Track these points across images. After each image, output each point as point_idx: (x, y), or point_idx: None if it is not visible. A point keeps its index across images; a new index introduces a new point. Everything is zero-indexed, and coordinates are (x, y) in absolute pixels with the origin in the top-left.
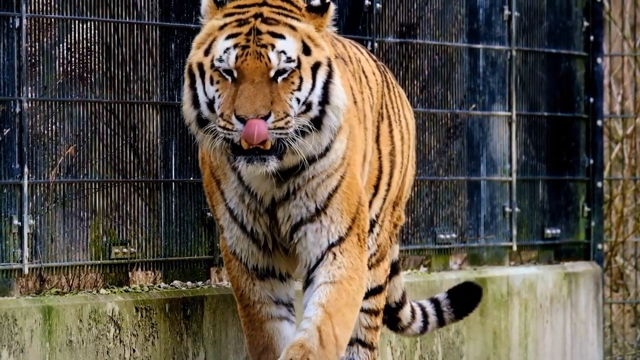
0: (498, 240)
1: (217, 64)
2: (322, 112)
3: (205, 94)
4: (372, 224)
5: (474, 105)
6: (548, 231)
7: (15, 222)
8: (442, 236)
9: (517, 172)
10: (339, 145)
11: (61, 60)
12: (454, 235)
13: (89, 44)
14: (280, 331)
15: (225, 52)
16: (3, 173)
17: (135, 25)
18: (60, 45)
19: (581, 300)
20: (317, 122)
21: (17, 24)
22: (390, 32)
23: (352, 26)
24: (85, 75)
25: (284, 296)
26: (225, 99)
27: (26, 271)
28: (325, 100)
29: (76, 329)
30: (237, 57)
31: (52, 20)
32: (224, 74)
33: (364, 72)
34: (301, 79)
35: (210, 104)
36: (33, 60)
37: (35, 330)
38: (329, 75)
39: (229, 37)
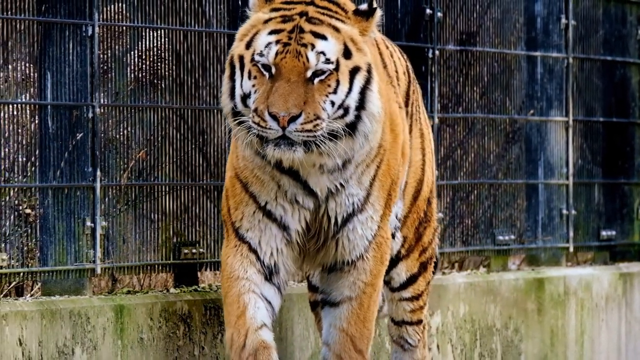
0: (555, 241)
1: (257, 58)
2: (358, 118)
3: (242, 87)
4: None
5: (532, 111)
6: (604, 233)
7: (88, 223)
8: (501, 237)
9: (573, 176)
10: (372, 136)
11: (132, 67)
12: (512, 237)
13: (159, 51)
14: (255, 301)
15: (266, 47)
16: (76, 176)
17: (204, 33)
18: (132, 52)
19: (636, 299)
20: (352, 127)
21: (90, 32)
22: (451, 40)
23: (414, 34)
24: (155, 81)
25: (267, 291)
26: (261, 94)
27: (99, 271)
28: (361, 105)
29: (147, 327)
30: (277, 54)
31: (124, 28)
32: (262, 69)
33: (395, 65)
34: (338, 82)
35: (244, 98)
36: (105, 67)
37: (107, 328)
38: (367, 81)
39: (271, 32)
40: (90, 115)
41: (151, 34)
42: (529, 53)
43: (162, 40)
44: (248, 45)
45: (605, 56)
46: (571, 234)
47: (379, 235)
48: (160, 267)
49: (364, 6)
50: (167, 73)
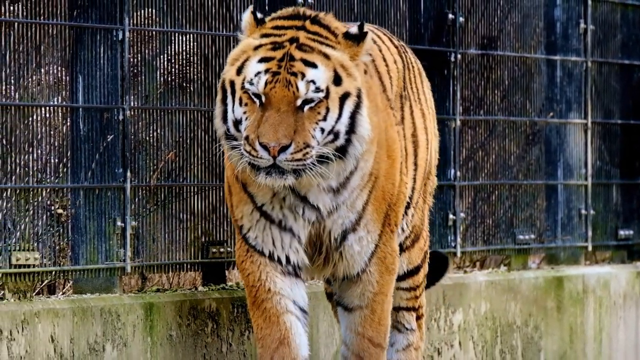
0: (574, 241)
1: (247, 86)
2: (348, 141)
3: (234, 112)
4: (406, 206)
5: (551, 114)
6: (621, 232)
7: (119, 223)
8: (521, 237)
9: (592, 177)
10: (364, 164)
11: (162, 71)
12: (532, 236)
13: (188, 55)
14: (297, 326)
15: (256, 75)
16: (107, 177)
17: (231, 37)
18: (161, 56)
19: None
20: (343, 150)
21: (120, 37)
22: (473, 44)
23: (436, 39)
24: (184, 84)
25: (300, 299)
26: (252, 122)
27: (129, 270)
28: (351, 129)
29: (176, 324)
30: (266, 83)
31: (154, 33)
32: (252, 96)
33: (385, 60)
34: (328, 109)
35: (237, 123)
36: (135, 71)
37: (137, 325)
38: (357, 106)
39: (261, 60)
40: (121, 117)
41: (180, 38)
42: (549, 57)
43: (191, 44)
44: (239, 71)
45: (623, 60)
46: (590, 233)
47: (380, 251)
48: (188, 266)
49: (354, 29)
50: (195, 76)
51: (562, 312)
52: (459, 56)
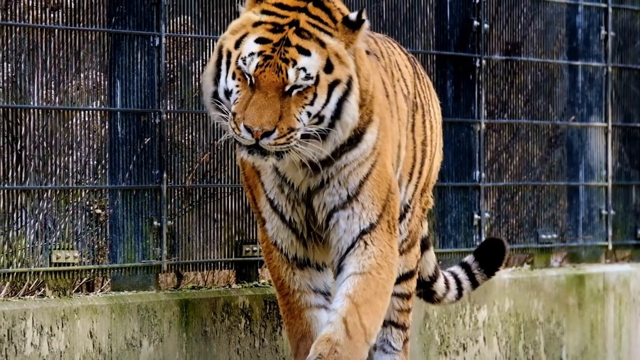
0: (595, 240)
1: (240, 63)
2: (331, 126)
3: (226, 82)
4: (405, 210)
5: (573, 117)
6: None
7: (155, 223)
8: (544, 236)
9: (612, 178)
10: (370, 136)
11: (197, 76)
12: (554, 236)
13: None
14: (318, 319)
15: (249, 55)
16: (144, 178)
17: None
18: (196, 62)
19: None
20: (324, 133)
21: (157, 43)
22: (497, 50)
23: (462, 45)
24: None
25: (322, 285)
26: (240, 100)
27: (165, 268)
28: (337, 115)
29: (210, 320)
30: (257, 66)
31: (189, 39)
32: (245, 74)
33: (397, 65)
34: (315, 95)
35: (227, 93)
36: (171, 76)
37: (173, 321)
38: (346, 93)
39: (258, 40)
40: (157, 121)
41: (215, 44)
42: (571, 62)
43: None
44: (237, 45)
45: None
46: (610, 233)
47: (377, 229)
48: (222, 264)
49: (353, 15)
50: None
51: (583, 309)
52: (484, 62)
